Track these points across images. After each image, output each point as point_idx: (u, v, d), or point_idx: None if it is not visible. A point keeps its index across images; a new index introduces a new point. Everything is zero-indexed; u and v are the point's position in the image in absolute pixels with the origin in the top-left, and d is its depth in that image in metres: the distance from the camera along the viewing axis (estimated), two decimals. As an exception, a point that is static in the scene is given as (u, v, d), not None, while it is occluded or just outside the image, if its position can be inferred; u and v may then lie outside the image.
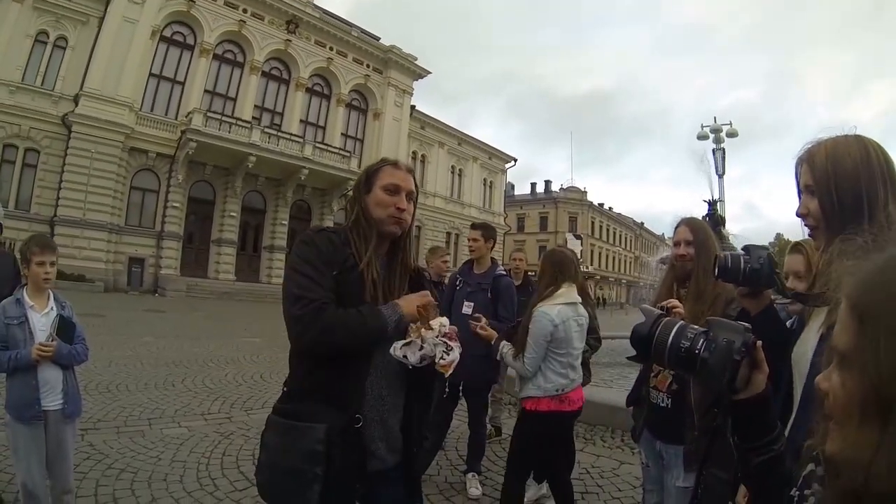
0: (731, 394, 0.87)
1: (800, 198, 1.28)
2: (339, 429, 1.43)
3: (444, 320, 1.53)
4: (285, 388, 1.59)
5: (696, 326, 0.91)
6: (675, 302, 2.05)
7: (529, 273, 5.45)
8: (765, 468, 0.87)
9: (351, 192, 1.85)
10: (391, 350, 1.48)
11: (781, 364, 1.34)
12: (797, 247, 2.08)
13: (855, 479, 0.51)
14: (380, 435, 1.54)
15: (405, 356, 1.46)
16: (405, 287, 1.66)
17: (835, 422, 0.55)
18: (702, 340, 0.87)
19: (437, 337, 1.46)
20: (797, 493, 0.73)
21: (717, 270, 1.54)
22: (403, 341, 1.47)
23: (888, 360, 0.48)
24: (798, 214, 1.28)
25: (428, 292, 1.60)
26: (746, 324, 0.88)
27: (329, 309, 1.46)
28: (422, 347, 1.45)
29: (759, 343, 0.86)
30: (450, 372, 1.49)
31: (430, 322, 1.49)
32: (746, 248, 1.51)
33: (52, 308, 2.65)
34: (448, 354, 1.46)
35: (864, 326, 0.52)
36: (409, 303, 1.54)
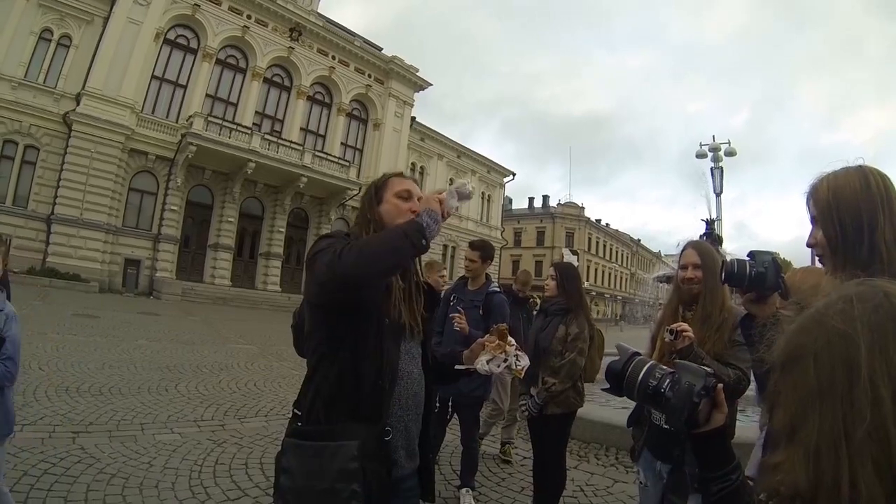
0: (688, 430, 0.95)
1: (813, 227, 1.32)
2: (370, 443, 1.42)
3: (511, 339, 1.79)
4: (298, 411, 1.51)
5: (664, 367, 1.00)
6: (684, 325, 2.04)
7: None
8: (724, 497, 0.95)
9: (357, 206, 1.85)
10: (477, 365, 1.69)
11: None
12: None
13: (770, 483, 0.66)
14: (402, 443, 1.54)
15: (489, 369, 1.71)
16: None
17: (775, 445, 0.69)
18: (667, 381, 0.97)
19: (514, 350, 1.76)
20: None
21: (723, 276, 1.57)
22: (486, 357, 1.71)
23: (793, 398, 0.64)
24: (808, 245, 1.33)
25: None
26: (708, 369, 0.97)
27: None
28: (506, 360, 1.72)
29: (720, 386, 0.96)
30: (522, 375, 1.82)
31: (509, 339, 1.77)
32: (751, 254, 1.54)
33: None
34: (520, 362, 1.76)
35: (782, 373, 0.67)
36: (427, 199, 1.51)
